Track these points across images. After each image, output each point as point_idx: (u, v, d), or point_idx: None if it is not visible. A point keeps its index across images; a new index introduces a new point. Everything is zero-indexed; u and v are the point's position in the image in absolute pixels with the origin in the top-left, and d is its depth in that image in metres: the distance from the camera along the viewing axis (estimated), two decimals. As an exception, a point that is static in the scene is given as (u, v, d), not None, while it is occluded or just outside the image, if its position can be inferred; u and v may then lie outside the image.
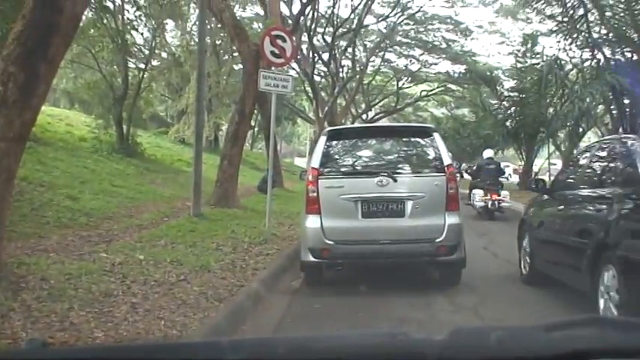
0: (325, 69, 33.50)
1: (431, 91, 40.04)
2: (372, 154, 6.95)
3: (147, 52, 23.81)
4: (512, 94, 24.15)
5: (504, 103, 24.57)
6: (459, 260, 6.48)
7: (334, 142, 6.85)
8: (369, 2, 29.41)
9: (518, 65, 23.50)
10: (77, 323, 4.20)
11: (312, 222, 6.45)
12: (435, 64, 38.26)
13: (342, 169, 6.69)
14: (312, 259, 6.45)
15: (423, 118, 44.35)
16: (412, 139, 6.98)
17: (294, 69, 34.61)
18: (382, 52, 37.54)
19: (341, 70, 32.94)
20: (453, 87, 38.57)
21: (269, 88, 9.53)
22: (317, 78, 35.59)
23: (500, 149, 34.85)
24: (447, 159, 6.54)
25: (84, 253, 6.90)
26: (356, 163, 6.82)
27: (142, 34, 24.56)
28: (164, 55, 34.82)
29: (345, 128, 8.66)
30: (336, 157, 6.83)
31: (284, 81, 9.62)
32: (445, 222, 6.34)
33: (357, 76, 34.73)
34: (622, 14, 15.89)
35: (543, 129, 22.37)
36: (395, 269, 6.98)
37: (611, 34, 16.01)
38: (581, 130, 33.06)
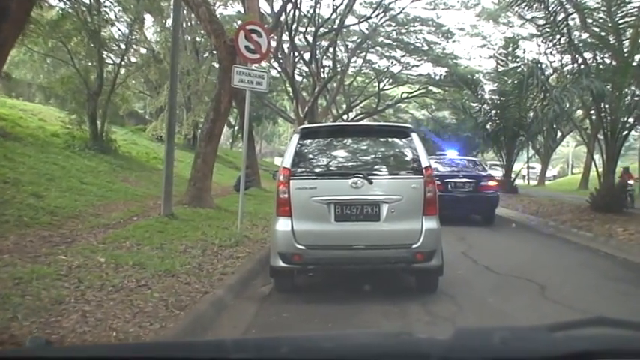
0: (306, 68, 33.28)
1: (412, 92, 40.01)
2: (347, 154, 6.63)
3: (123, 47, 23.25)
4: (493, 97, 24.04)
5: (485, 106, 24.47)
6: (437, 267, 6.20)
7: (307, 141, 6.52)
8: (351, 2, 29.19)
9: (500, 68, 23.39)
10: (18, 335, 3.81)
11: (283, 225, 6.12)
12: (417, 66, 38.37)
13: (315, 170, 6.36)
14: (282, 264, 6.12)
15: (403, 119, 44.26)
16: (389, 140, 6.66)
17: (275, 68, 34.51)
18: (364, 53, 37.49)
19: (322, 70, 32.70)
20: (434, 89, 38.56)
21: (243, 84, 9.18)
22: (299, 78, 35.47)
23: (480, 152, 34.86)
24: (425, 161, 6.24)
25: (40, 255, 6.50)
26: (330, 164, 6.49)
27: (117, 28, 24.14)
28: (143, 51, 34.46)
29: (318, 126, 8.32)
30: (309, 156, 6.50)
31: (259, 77, 9.28)
32: (422, 227, 6.04)
33: (339, 77, 34.59)
34: (603, 19, 15.79)
35: (523, 132, 22.28)
36: (369, 275, 6.68)
37: (591, 39, 15.91)
38: (560, 134, 33.28)
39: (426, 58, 37.00)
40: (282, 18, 25.77)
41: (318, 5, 29.62)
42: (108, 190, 13.76)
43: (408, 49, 36.84)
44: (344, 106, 41.93)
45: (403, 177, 6.25)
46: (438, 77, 36.30)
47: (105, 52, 21.85)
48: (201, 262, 7.17)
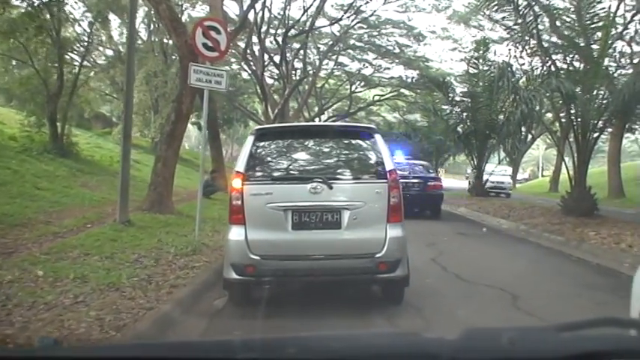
0: (277, 71, 32.88)
1: (384, 95, 39.89)
2: (306, 157, 6.17)
3: (87, 47, 22.54)
4: (464, 99, 23.88)
5: (456, 108, 24.30)
6: (402, 278, 5.77)
7: (263, 143, 6.05)
8: (321, 4, 28.84)
9: (470, 71, 23.23)
10: None
11: (236, 234, 5.64)
12: (389, 68, 38.36)
13: (271, 174, 5.89)
14: (235, 276, 5.64)
15: (375, 122, 44.07)
16: (351, 141, 6.22)
17: (245, 70, 33.98)
18: (335, 56, 37.24)
19: (294, 72, 32.30)
20: (406, 92, 38.51)
21: (200, 83, 8.68)
22: (270, 81, 34.99)
23: (451, 155, 34.74)
24: (389, 164, 5.80)
25: (-30, 269, 5.94)
26: (287, 167, 6.02)
27: (82, 28, 23.42)
28: (110, 52, 33.71)
29: (276, 127, 7.86)
30: (265, 160, 6.03)
31: (217, 76, 8.78)
32: (386, 235, 5.61)
33: (310, 79, 34.26)
34: (571, 21, 15.70)
35: (494, 135, 22.14)
36: (332, 286, 6.24)
37: (561, 41, 15.82)
38: (530, 136, 33.33)
39: (397, 60, 36.93)
40: (252, 19, 25.40)
41: (288, 7, 29.28)
42: (64, 196, 13.14)
43: (379, 51, 36.74)
44: (316, 108, 41.58)
45: (366, 181, 5.82)
46: (409, 80, 36.32)
47: (68, 53, 21.32)
48: (152, 273, 6.67)
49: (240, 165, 5.75)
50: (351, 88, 39.88)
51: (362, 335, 1.69)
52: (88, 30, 22.81)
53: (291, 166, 6.01)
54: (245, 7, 24.35)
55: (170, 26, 12.18)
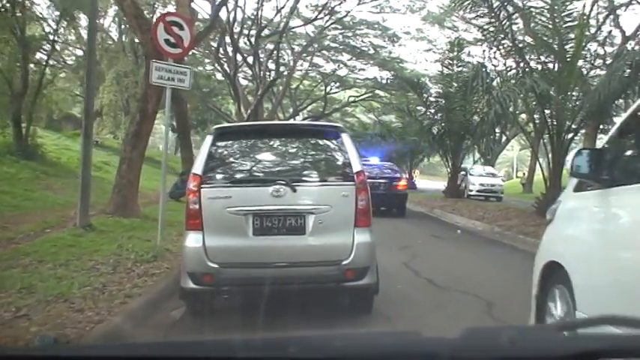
0: (250, 71, 32.51)
1: (358, 96, 39.72)
2: (268, 157, 5.82)
3: (52, 46, 21.88)
4: (438, 100, 23.76)
5: (430, 109, 24.17)
6: (370, 286, 5.45)
7: (223, 143, 5.69)
8: (295, 4, 28.55)
9: (445, 71, 23.12)
10: None
11: (193, 241, 5.28)
12: (363, 69, 38.21)
13: (231, 176, 5.54)
14: (192, 285, 5.27)
15: (350, 123, 43.98)
16: (316, 141, 5.89)
17: (219, 71, 33.52)
18: (310, 57, 36.96)
19: (268, 73, 31.93)
20: (381, 93, 38.38)
21: (162, 81, 8.29)
22: (244, 82, 34.56)
23: (426, 155, 34.65)
24: (357, 165, 5.48)
25: None
26: (248, 169, 5.68)
27: (51, 28, 22.74)
28: (80, 52, 33.07)
29: (236, 126, 7.49)
30: (225, 161, 5.67)
31: (180, 74, 8.39)
32: (354, 240, 5.29)
33: (284, 80, 33.96)
34: (546, 23, 15.63)
35: (469, 136, 22.04)
36: (297, 294, 5.90)
37: (535, 42, 15.75)
38: (504, 137, 33.38)
39: (372, 61, 36.78)
40: (225, 18, 25.01)
41: (261, 7, 28.89)
42: (25, 199, 12.63)
43: (354, 52, 36.57)
44: (291, 110, 41.25)
45: (332, 183, 5.49)
46: (384, 81, 36.18)
47: (36, 52, 20.70)
48: (108, 281, 6.27)
49: (198, 167, 5.39)
50: (325, 89, 39.63)
51: (362, 334, 1.69)
52: (57, 28, 22.21)
53: (252, 168, 5.66)
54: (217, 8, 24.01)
55: (135, 23, 11.76)
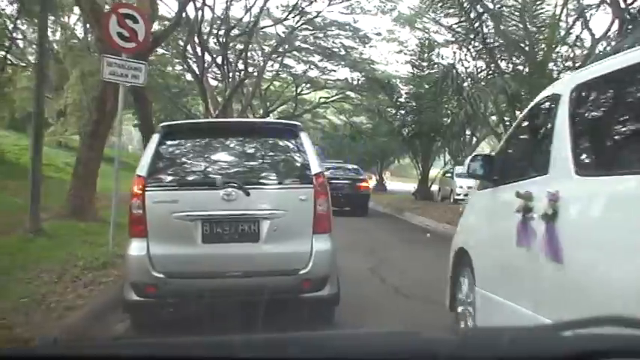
0: (219, 71, 31.96)
1: (329, 98, 39.42)
2: (220, 158, 5.40)
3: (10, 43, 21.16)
4: (409, 101, 23.58)
5: (401, 110, 23.96)
6: (331, 297, 5.06)
7: (171, 143, 5.26)
8: (264, 4, 28.14)
9: (415, 72, 22.96)
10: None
11: (136, 249, 4.84)
12: (334, 70, 37.83)
13: (178, 179, 5.12)
14: (135, 297, 4.84)
15: (321, 124, 43.66)
16: (272, 140, 5.48)
17: (188, 71, 32.87)
18: (281, 57, 36.54)
19: (238, 73, 31.41)
20: (352, 94, 38.11)
21: (114, 77, 7.82)
22: (214, 82, 33.96)
23: (396, 157, 34.46)
24: (315, 166, 5.08)
25: None
26: (197, 171, 5.25)
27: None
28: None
29: (185, 124, 7.07)
30: (172, 161, 5.24)
31: (135, 70, 7.93)
32: (312, 248, 4.91)
33: (254, 80, 33.51)
34: (516, 24, 15.54)
35: (439, 137, 21.89)
36: (252, 305, 5.48)
37: (506, 45, 15.66)
38: (475, 139, 33.36)
39: (343, 62, 36.45)
40: (193, 17, 24.46)
41: (229, 5, 28.35)
42: (-25, 202, 11.98)
43: (325, 53, 36.20)
44: (261, 111, 40.73)
45: (288, 186, 5.10)
46: (355, 82, 35.92)
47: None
48: (49, 292, 5.80)
49: (142, 168, 4.95)
50: (296, 90, 39.24)
51: (362, 334, 1.70)
52: (15, 25, 21.47)
53: (202, 169, 5.24)
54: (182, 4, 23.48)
55: (92, 18, 11.22)
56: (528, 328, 1.50)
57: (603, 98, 3.92)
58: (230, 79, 29.83)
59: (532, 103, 4.76)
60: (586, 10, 17.72)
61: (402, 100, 24.09)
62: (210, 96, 28.84)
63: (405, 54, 35.18)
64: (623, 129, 3.63)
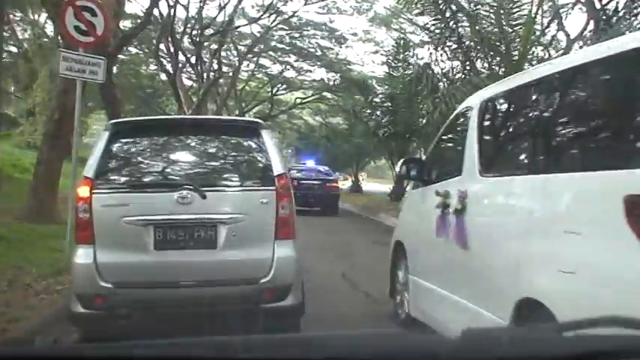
0: (193, 70, 31.50)
1: (305, 98, 39.13)
2: (175, 158, 5.02)
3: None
4: (384, 101, 23.40)
5: (376, 111, 23.75)
6: (294, 307, 4.71)
7: (121, 141, 4.88)
8: (238, 3, 27.78)
9: (391, 72, 22.76)
10: None
11: (82, 256, 4.46)
12: (310, 71, 37.56)
13: (129, 180, 4.75)
14: (81, 309, 4.46)
15: (297, 125, 43.37)
16: (232, 139, 5.14)
17: (163, 70, 32.33)
18: (256, 57, 36.18)
19: (215, 73, 30.98)
20: (328, 95, 37.86)
21: (71, 73, 7.43)
22: (189, 82, 33.47)
23: (372, 158, 34.24)
24: (278, 167, 4.74)
25: None
26: (150, 172, 4.89)
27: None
28: (13, 49, 31.47)
29: (137, 121, 6.67)
30: (122, 161, 4.88)
31: (93, 65, 7.53)
32: (274, 255, 4.57)
33: (230, 80, 33.14)
34: (491, 24, 15.42)
35: (414, 138, 21.73)
36: (207, 318, 5.14)
37: (481, 45, 15.54)
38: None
39: (319, 63, 36.20)
40: (166, 16, 23.98)
41: (203, 4, 27.91)
42: None
43: (301, 54, 35.94)
44: (236, 111, 40.30)
45: (249, 188, 4.76)
46: (331, 83, 35.66)
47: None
48: (-6, 301, 5.39)
49: (89, 168, 4.57)
50: (272, 91, 38.89)
51: (362, 335, 1.67)
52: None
53: (155, 170, 4.88)
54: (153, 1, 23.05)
55: (53, 12, 10.80)
56: (528, 329, 1.51)
57: (501, 112, 4.67)
58: (205, 79, 29.41)
59: (452, 114, 5.53)
60: (561, 10, 17.71)
61: (377, 100, 23.87)
62: (184, 96, 28.41)
63: (382, 54, 35.08)
64: (514, 138, 4.38)
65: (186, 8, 27.30)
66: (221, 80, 33.94)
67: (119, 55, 31.26)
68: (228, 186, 4.79)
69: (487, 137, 4.46)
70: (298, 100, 39.65)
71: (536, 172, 3.62)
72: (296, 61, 36.87)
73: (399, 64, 22.45)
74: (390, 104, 22.74)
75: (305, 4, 31.06)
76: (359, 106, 26.36)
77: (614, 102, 3.25)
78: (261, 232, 4.61)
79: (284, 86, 39.65)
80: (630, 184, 2.75)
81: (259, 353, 1.32)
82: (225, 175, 4.86)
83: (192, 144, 5.10)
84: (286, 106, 41.05)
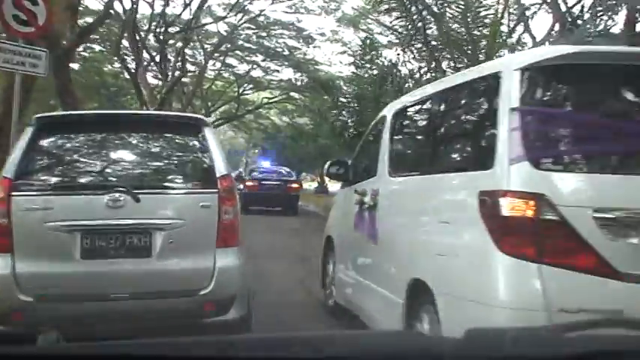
0: (157, 69, 30.84)
1: (272, 98, 38.75)
2: (106, 157, 4.58)
3: None
4: (349, 101, 23.09)
5: (343, 111, 23.44)
6: (238, 321, 4.30)
7: (47, 138, 4.41)
8: (202, 2, 27.23)
9: (357, 71, 22.49)
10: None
11: None
12: (278, 71, 37.22)
13: (53, 181, 4.31)
14: None
15: (264, 125, 42.96)
16: (170, 136, 4.72)
17: (124, 68, 31.57)
18: (223, 57, 35.69)
19: (177, 72, 30.34)
20: (296, 95, 37.53)
21: (8, 65, 6.94)
22: (154, 81, 32.76)
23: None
24: (221, 167, 4.32)
25: None
26: (77, 172, 4.45)
27: None
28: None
29: (66, 115, 6.19)
30: (47, 161, 4.44)
31: (33, 58, 7.05)
32: (215, 264, 4.18)
33: (195, 79, 32.62)
34: (457, 24, 15.28)
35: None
36: (143, 335, 4.72)
37: (448, 47, 15.40)
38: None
39: (287, 63, 35.90)
40: (127, 12, 23.31)
41: (169, 1, 27.26)
42: None
43: (268, 53, 35.58)
44: (203, 111, 39.69)
45: (188, 191, 4.36)
46: (299, 83, 35.28)
47: None
48: None
49: (9, 168, 4.11)
50: (239, 90, 38.42)
51: (364, 334, 1.80)
52: None
53: (83, 170, 4.44)
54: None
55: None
56: (532, 329, 1.49)
57: (405, 121, 5.34)
58: (170, 78, 28.81)
59: (373, 121, 6.28)
60: (527, 11, 17.71)
61: (343, 100, 23.59)
62: (149, 94, 27.82)
63: (349, 55, 34.82)
64: (411, 143, 5.27)
65: (151, 5, 26.73)
66: (187, 79, 33.38)
67: (83, 53, 30.76)
68: (166, 188, 4.37)
69: (395, 143, 5.13)
70: (265, 100, 39.33)
71: (423, 172, 4.41)
72: (263, 60, 36.52)
73: (366, 64, 22.18)
74: (356, 104, 22.45)
75: (272, 3, 30.73)
76: (325, 106, 26.03)
77: (475, 116, 4.07)
78: (201, 238, 4.21)
79: (251, 86, 39.25)
80: (482, 182, 3.37)
81: (259, 352, 1.32)
82: (163, 176, 4.45)
83: (127, 141, 4.66)
84: (253, 105, 40.64)
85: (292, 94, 37.60)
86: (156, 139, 4.68)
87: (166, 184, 4.41)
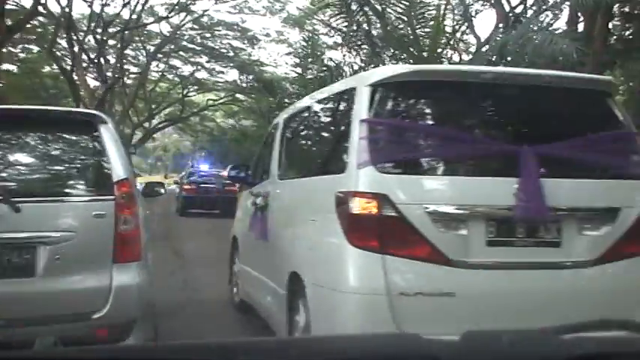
0: (96, 70, 29.80)
1: (218, 100, 38.18)
2: None
3: None
4: (293, 101, 22.69)
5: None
6: None
7: None
8: (145, 1, 26.50)
9: (299, 70, 22.20)
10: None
11: None
12: (223, 72, 36.72)
13: None
14: None
15: (210, 128, 42.29)
16: (59, 134, 4.20)
17: (59, 68, 30.38)
18: (166, 58, 34.92)
19: (117, 74, 29.39)
20: (241, 97, 37.00)
21: None
22: (96, 82, 31.66)
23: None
24: (120, 170, 3.84)
25: None
26: None
27: None
28: None
29: None
30: None
31: None
32: (111, 283, 3.66)
33: (137, 81, 31.80)
34: (402, 26, 15.13)
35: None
36: None
37: (392, 47, 15.23)
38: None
39: (232, 64, 35.37)
40: (61, 10, 22.32)
41: (108, 1, 26.32)
42: None
43: (212, 54, 35.12)
44: (146, 113, 38.72)
45: (79, 199, 3.83)
46: (244, 84, 34.70)
47: None
48: None
49: None
50: (183, 92, 37.73)
51: (363, 337, 1.80)
52: None
53: None
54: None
55: None
56: (528, 332, 1.37)
57: (291, 129, 5.70)
58: (107, 79, 27.86)
59: (270, 127, 6.74)
60: (470, 10, 17.75)
61: (287, 101, 23.18)
62: (88, 96, 26.87)
63: (295, 56, 34.43)
64: (293, 149, 5.62)
65: (90, 5, 25.75)
66: (129, 80, 32.47)
67: (21, 54, 29.47)
68: (52, 195, 3.86)
69: (283, 148, 5.51)
70: (210, 102, 38.86)
71: (299, 175, 5.01)
72: (208, 61, 36.06)
73: (310, 64, 21.85)
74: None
75: (215, 3, 30.29)
76: (269, 106, 25.57)
77: (337, 125, 4.59)
78: (94, 253, 3.72)
79: (196, 87, 38.69)
80: (338, 184, 3.83)
81: (260, 356, 1.34)
82: (49, 182, 3.96)
83: (7, 141, 4.08)
84: (198, 107, 39.96)
85: (238, 95, 37.11)
86: (41, 139, 4.16)
87: (53, 190, 3.90)
